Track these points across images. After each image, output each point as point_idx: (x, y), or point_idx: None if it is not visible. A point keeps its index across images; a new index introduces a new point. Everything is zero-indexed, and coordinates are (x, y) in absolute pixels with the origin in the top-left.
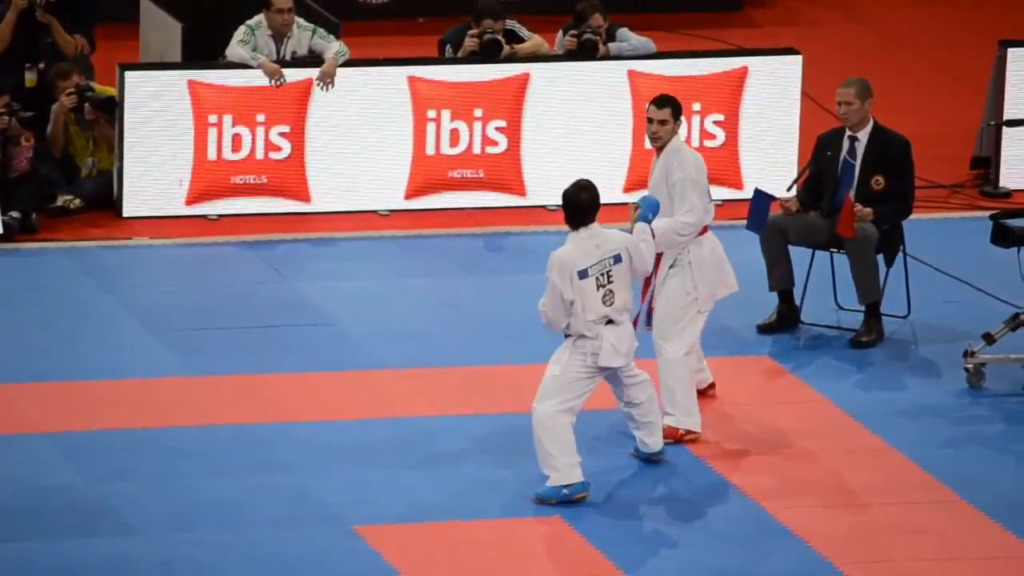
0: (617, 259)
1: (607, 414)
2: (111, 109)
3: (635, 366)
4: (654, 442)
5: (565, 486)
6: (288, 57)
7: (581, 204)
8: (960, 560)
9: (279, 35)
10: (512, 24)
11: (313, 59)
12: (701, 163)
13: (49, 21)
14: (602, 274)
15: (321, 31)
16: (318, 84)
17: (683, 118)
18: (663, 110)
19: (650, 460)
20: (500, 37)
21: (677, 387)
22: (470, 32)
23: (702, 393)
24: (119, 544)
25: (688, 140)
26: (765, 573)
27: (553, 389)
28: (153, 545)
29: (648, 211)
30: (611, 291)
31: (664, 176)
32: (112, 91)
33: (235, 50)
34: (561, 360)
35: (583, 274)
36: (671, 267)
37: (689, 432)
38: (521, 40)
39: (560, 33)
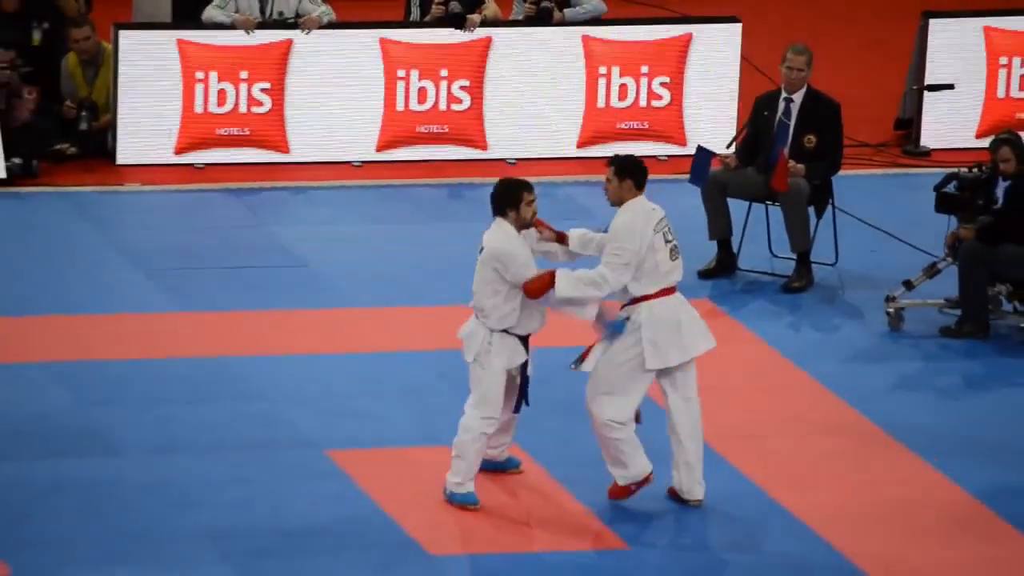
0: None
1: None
2: None
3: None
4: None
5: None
6: (275, 16)
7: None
8: (878, 485)
9: None
10: None
11: (293, 22)
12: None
13: None
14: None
15: None
16: (302, 27)
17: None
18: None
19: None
20: (462, 12)
21: (608, 448)
22: (436, 0)
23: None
24: (108, 464)
25: (636, 101)
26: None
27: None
28: (139, 466)
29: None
30: None
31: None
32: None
33: (209, 12)
34: None
35: None
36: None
37: (639, 484)
38: (482, 2)
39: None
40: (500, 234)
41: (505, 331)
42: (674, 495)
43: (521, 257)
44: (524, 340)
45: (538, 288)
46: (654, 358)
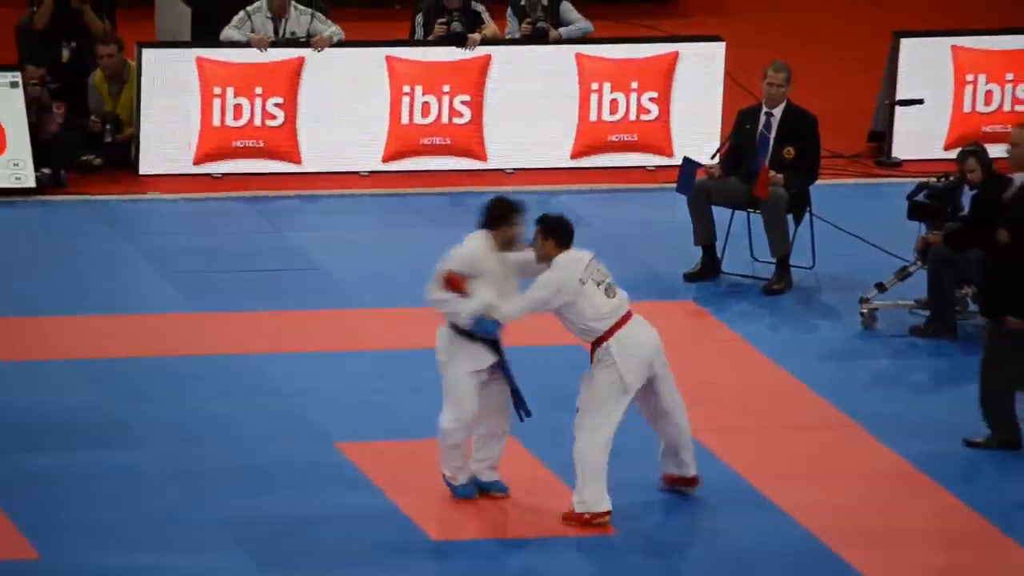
0: None
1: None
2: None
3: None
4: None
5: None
6: (288, 35)
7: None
8: (853, 474)
9: (277, 16)
10: (477, 6)
11: (305, 42)
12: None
13: (81, 7)
14: None
15: (320, 16)
16: (314, 46)
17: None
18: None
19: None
20: (464, 33)
21: (585, 474)
22: (439, 21)
23: (685, 482)
24: (132, 455)
25: (626, 115)
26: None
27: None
28: (161, 456)
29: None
30: None
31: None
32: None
33: (226, 32)
34: None
35: None
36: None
37: (596, 516)
38: (482, 22)
39: (509, 12)
40: (474, 243)
41: (466, 333)
42: (671, 482)
43: (465, 268)
44: (491, 344)
45: (452, 284)
46: (635, 380)
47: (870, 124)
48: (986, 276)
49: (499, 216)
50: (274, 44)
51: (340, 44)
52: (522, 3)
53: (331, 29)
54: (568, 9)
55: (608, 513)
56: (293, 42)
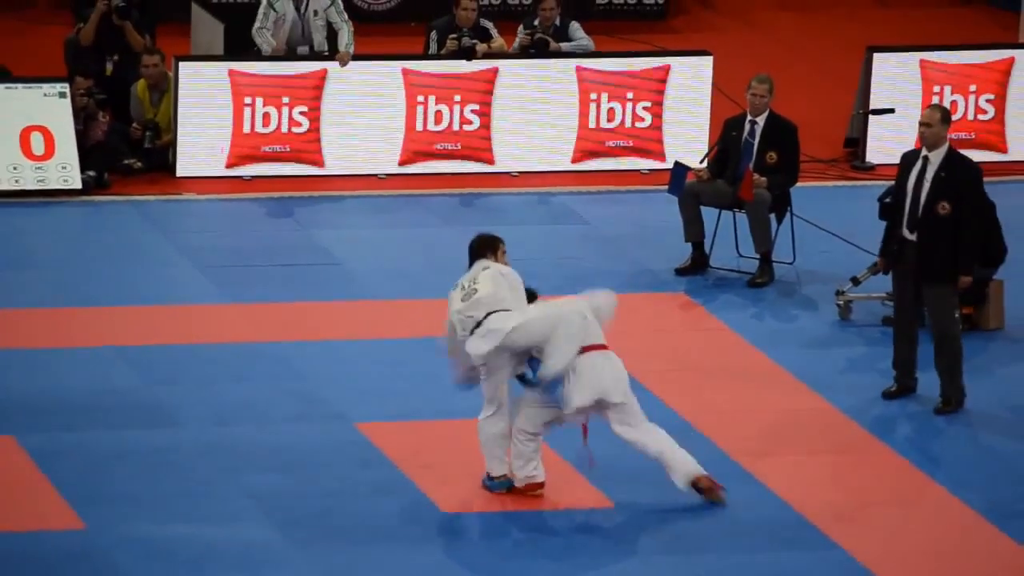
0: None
1: None
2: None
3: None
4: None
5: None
6: (310, 14)
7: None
8: (829, 452)
9: None
10: (486, 23)
11: (328, 56)
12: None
13: (123, 24)
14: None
15: (339, 3)
16: (338, 61)
17: None
18: None
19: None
20: (474, 43)
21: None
22: (451, 36)
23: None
24: (169, 434)
25: (622, 122)
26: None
27: None
28: (195, 435)
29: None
30: None
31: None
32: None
33: (255, 38)
34: None
35: None
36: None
37: (533, 485)
38: (491, 38)
39: (520, 28)
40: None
41: None
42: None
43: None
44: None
45: None
46: (580, 398)
47: (846, 131)
48: (930, 244)
49: (493, 246)
50: (298, 58)
51: (360, 58)
52: (535, 22)
53: (345, 40)
54: (576, 28)
55: (541, 485)
56: (318, 56)
